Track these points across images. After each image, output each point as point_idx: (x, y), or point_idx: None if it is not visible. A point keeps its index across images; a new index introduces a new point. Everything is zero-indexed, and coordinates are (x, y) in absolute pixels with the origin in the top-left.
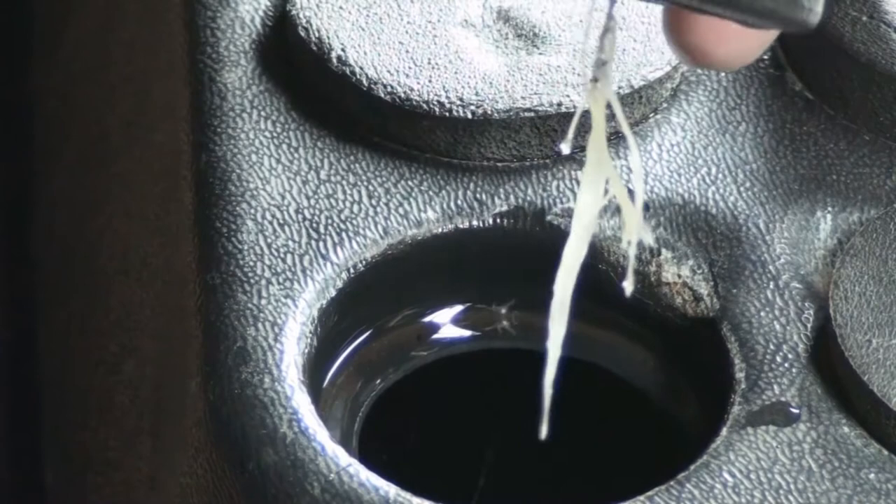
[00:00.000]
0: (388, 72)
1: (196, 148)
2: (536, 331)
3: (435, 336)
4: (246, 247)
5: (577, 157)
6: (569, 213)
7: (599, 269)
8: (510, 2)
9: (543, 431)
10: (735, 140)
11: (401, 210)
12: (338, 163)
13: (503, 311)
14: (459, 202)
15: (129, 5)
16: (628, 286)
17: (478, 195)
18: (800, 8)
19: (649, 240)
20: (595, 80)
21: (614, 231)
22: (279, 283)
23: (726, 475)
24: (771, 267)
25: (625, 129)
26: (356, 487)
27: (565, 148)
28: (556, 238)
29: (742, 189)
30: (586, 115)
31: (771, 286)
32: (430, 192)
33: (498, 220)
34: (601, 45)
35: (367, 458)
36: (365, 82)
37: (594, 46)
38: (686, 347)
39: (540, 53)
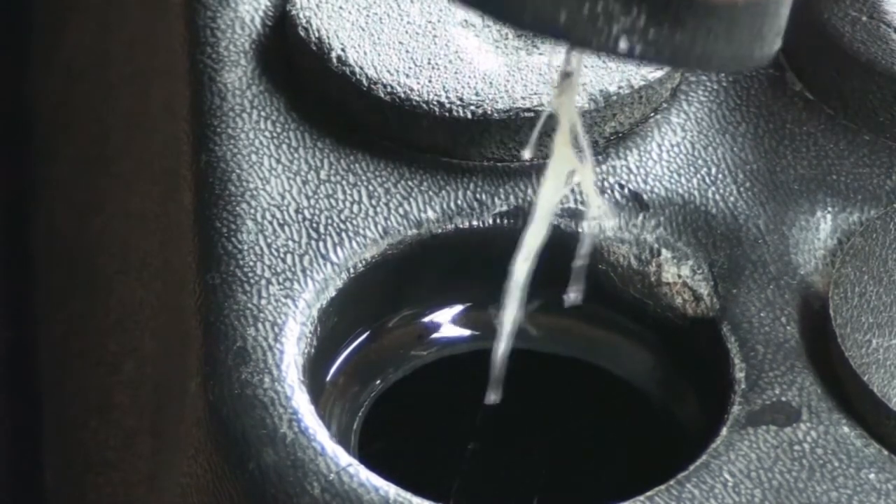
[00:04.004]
0: (388, 72)
1: (196, 148)
2: (536, 330)
3: (435, 336)
4: (246, 247)
5: None
6: (569, 214)
7: (599, 269)
8: None
9: (492, 398)
10: (735, 140)
11: (401, 210)
12: (338, 163)
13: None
14: (459, 202)
15: (129, 5)
16: (576, 295)
17: (478, 195)
18: (748, 59)
19: (610, 223)
20: (560, 90)
21: (614, 231)
22: (279, 283)
23: (726, 475)
24: (771, 267)
25: (581, 136)
26: (356, 487)
27: (528, 154)
28: (556, 238)
29: (742, 189)
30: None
31: (771, 286)
32: (430, 192)
33: (498, 220)
34: (567, 58)
35: (367, 458)
36: (365, 82)
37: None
38: (686, 347)
39: (540, 53)
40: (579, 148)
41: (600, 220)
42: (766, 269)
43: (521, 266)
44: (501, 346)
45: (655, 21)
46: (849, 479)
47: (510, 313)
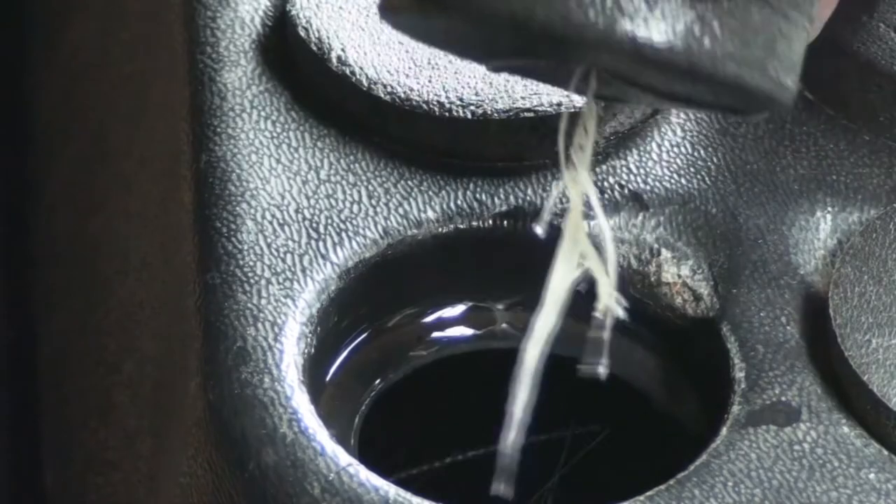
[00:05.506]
0: (388, 72)
1: (196, 148)
2: None
3: (435, 336)
4: (246, 247)
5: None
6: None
7: None
8: None
9: (498, 489)
10: (735, 140)
11: (401, 210)
12: (338, 163)
13: (503, 310)
14: (459, 202)
15: (129, 5)
16: (603, 368)
17: (478, 195)
18: (762, 76)
19: (620, 312)
20: (573, 163)
21: (614, 232)
22: (279, 283)
23: (726, 475)
24: (771, 267)
25: (599, 216)
26: (356, 487)
27: (540, 231)
28: (556, 238)
29: (742, 189)
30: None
31: (771, 286)
32: (430, 192)
33: (498, 220)
34: (581, 130)
35: (367, 458)
36: (365, 82)
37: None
38: (686, 347)
39: None
40: (596, 222)
41: (612, 310)
42: (766, 269)
43: (532, 352)
44: (511, 436)
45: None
46: (849, 479)
47: (521, 401)
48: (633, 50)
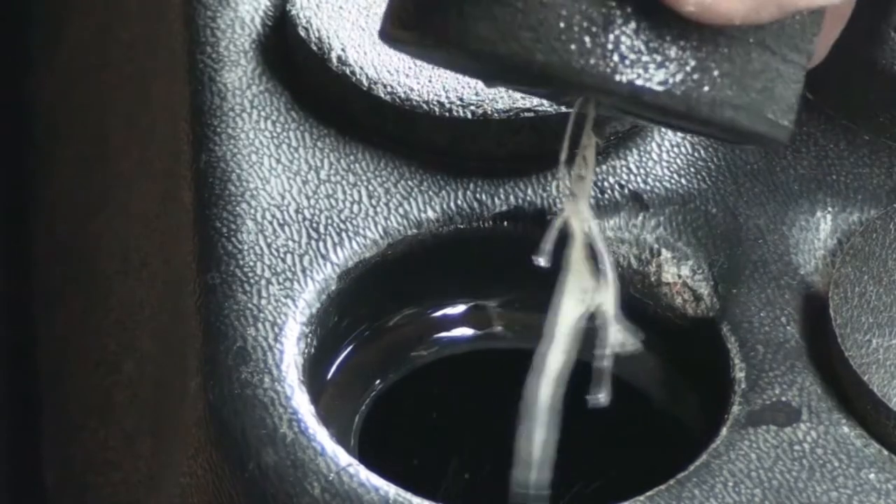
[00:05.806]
0: (388, 72)
1: (196, 148)
2: (536, 331)
3: (435, 336)
4: (246, 247)
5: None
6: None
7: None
8: None
9: None
10: None
11: (401, 210)
12: (338, 163)
13: (503, 311)
14: (459, 202)
15: (129, 5)
16: (603, 397)
17: (478, 195)
18: (761, 119)
19: (630, 346)
20: (573, 193)
21: (614, 232)
22: (279, 283)
23: (726, 475)
24: (771, 267)
25: (601, 246)
26: (356, 487)
27: (543, 261)
28: (557, 239)
29: (742, 189)
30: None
31: (771, 286)
32: (430, 192)
33: (498, 220)
34: (580, 160)
35: (367, 458)
36: (365, 82)
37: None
38: (686, 347)
39: None
40: (598, 259)
41: (620, 348)
42: (766, 269)
43: (546, 390)
44: (533, 475)
45: (663, 50)
46: (849, 479)
47: (539, 441)
48: (631, 95)
